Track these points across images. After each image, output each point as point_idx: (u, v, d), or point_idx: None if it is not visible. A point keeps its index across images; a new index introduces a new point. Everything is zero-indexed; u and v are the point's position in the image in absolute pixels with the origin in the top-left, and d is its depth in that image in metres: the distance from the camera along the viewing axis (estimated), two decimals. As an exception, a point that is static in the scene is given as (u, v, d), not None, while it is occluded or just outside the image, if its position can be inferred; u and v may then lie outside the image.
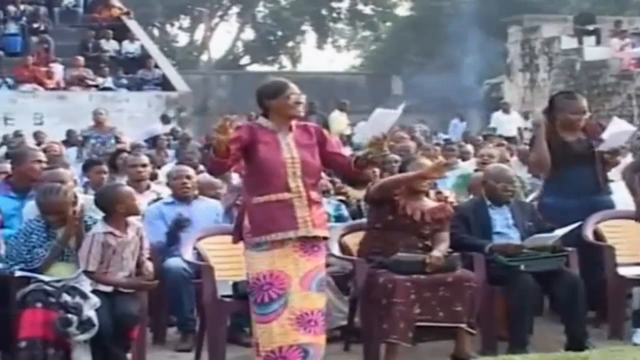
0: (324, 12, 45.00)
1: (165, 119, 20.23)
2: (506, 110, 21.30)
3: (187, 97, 23.37)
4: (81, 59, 22.40)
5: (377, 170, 8.25)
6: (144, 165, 8.81)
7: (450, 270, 6.45)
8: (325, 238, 5.86)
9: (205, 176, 8.73)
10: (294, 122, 5.81)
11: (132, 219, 6.27)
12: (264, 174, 5.65)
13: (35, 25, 23.63)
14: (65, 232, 6.21)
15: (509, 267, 6.70)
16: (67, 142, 16.29)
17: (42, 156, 7.79)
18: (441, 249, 6.59)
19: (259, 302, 5.63)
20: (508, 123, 20.49)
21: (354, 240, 6.96)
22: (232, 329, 6.90)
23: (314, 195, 5.71)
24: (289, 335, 5.58)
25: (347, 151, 7.20)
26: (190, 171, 8.06)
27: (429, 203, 6.79)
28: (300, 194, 5.63)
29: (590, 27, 25.22)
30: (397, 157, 8.66)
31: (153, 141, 16.53)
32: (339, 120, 19.67)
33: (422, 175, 6.50)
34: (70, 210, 6.26)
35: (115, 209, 6.13)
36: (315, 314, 5.67)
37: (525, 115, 22.10)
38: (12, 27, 23.57)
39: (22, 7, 24.35)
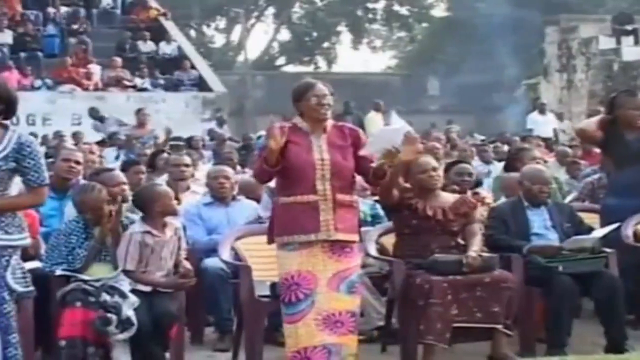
0: (359, 12, 44.99)
1: (220, 121, 20.20)
2: (542, 111, 21.17)
3: (223, 97, 23.45)
4: (119, 60, 22.54)
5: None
6: (187, 165, 8.86)
7: (488, 270, 6.42)
8: (353, 242, 5.80)
9: (244, 177, 8.78)
10: (329, 123, 5.79)
11: (170, 219, 6.31)
12: (293, 175, 5.65)
13: (74, 27, 23.80)
14: (100, 231, 6.26)
15: (547, 269, 6.67)
16: (104, 143, 16.36)
17: (74, 155, 7.83)
18: (475, 247, 6.55)
19: (286, 302, 5.65)
20: (544, 124, 20.34)
21: (391, 241, 6.93)
22: (270, 329, 6.91)
23: (342, 198, 5.67)
24: (314, 336, 5.58)
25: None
26: (229, 172, 8.08)
27: (449, 198, 6.75)
28: (326, 196, 5.62)
29: (629, 27, 24.99)
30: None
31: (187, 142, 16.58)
32: (374, 121, 19.57)
33: (402, 162, 6.11)
34: (105, 208, 6.32)
35: (152, 208, 6.17)
36: (343, 315, 5.65)
37: (560, 117, 21.92)
38: (51, 29, 23.76)
39: (61, 8, 24.56)
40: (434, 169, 6.73)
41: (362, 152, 5.74)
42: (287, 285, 5.65)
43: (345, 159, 5.73)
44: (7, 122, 5.28)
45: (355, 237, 5.81)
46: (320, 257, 5.64)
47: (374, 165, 5.80)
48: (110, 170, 7.74)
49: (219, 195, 7.77)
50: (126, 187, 7.15)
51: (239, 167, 11.87)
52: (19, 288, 5.24)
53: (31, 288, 5.36)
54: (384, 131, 5.84)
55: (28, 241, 5.37)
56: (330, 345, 5.61)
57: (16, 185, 5.39)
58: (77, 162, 7.69)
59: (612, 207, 7.42)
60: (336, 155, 5.70)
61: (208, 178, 8.02)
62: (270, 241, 5.84)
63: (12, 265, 5.21)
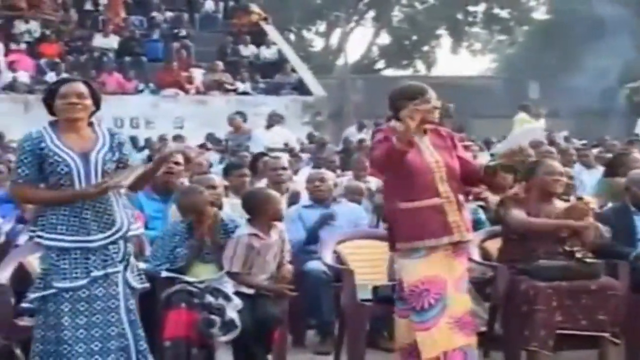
0: (459, 16, 44.72)
1: (361, 126, 20.22)
2: (649, 116, 20.72)
3: (323, 101, 23.50)
4: (220, 64, 22.76)
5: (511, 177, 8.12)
6: (284, 169, 8.92)
7: (594, 277, 6.33)
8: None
9: (345, 180, 8.80)
10: (427, 126, 5.68)
11: (275, 222, 6.35)
12: (413, 179, 5.51)
13: (177, 31, 24.11)
14: (200, 232, 6.34)
15: (655, 276, 6.55)
16: (204, 146, 16.54)
17: (176, 157, 7.92)
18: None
19: (418, 309, 5.51)
20: (650, 128, 19.93)
21: (494, 246, 6.89)
22: (372, 333, 6.91)
23: (461, 198, 5.62)
24: (451, 340, 5.49)
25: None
26: (326, 174, 8.12)
27: (561, 205, 6.66)
28: (449, 198, 5.52)
29: None
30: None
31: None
32: (523, 122, 18.80)
33: (567, 225, 6.37)
34: (208, 210, 6.38)
35: (262, 211, 6.22)
36: (469, 315, 5.62)
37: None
38: (155, 34, 24.12)
39: (165, 13, 24.91)
40: (561, 174, 6.66)
41: (492, 151, 5.69)
42: (418, 293, 5.50)
43: (452, 160, 5.65)
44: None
45: (473, 236, 5.79)
46: (446, 261, 5.53)
47: (490, 163, 5.77)
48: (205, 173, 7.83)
49: (315, 197, 7.82)
50: (219, 190, 7.20)
51: (339, 171, 11.89)
52: (137, 285, 5.35)
53: (147, 284, 5.47)
54: (523, 132, 5.79)
55: (141, 230, 5.56)
56: (466, 348, 5.55)
57: None
58: (176, 163, 7.76)
59: None
60: (444, 155, 5.62)
61: (306, 181, 8.09)
62: (392, 248, 5.72)
63: (131, 264, 5.33)
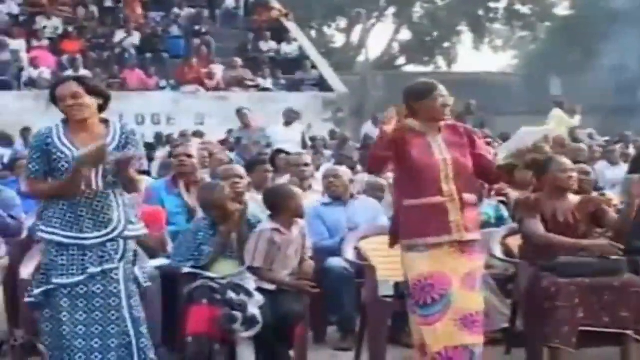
0: (480, 12, 44.61)
1: (375, 120, 20.20)
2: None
3: (344, 97, 23.49)
4: (241, 61, 22.78)
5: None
6: (307, 165, 8.91)
7: (617, 274, 6.30)
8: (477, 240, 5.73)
9: (365, 176, 8.79)
10: (442, 123, 5.70)
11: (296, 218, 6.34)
12: (418, 176, 5.55)
13: (198, 28, 24.15)
14: (225, 228, 6.34)
15: (678, 273, 6.51)
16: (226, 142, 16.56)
17: (183, 149, 7.95)
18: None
19: (421, 304, 5.56)
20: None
21: (516, 243, 6.87)
22: (393, 329, 6.90)
23: (467, 197, 5.59)
24: (453, 336, 5.50)
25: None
26: (340, 170, 8.10)
27: (575, 199, 6.65)
28: (452, 197, 5.53)
29: None
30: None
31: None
32: (558, 118, 18.64)
33: (586, 246, 6.37)
34: (230, 206, 6.39)
35: (284, 207, 6.22)
36: (479, 315, 5.59)
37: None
38: (175, 30, 24.16)
39: (185, 10, 24.96)
40: (572, 170, 6.66)
41: (498, 150, 5.67)
42: (420, 287, 5.54)
43: (465, 158, 5.64)
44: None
45: (480, 236, 5.75)
46: (451, 257, 5.54)
47: (500, 162, 5.73)
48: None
49: (330, 194, 7.82)
50: (242, 182, 7.21)
51: (359, 167, 11.88)
52: (144, 282, 5.38)
53: (150, 283, 5.51)
54: (526, 132, 5.77)
55: (145, 231, 5.49)
56: (471, 347, 5.54)
57: None
58: (188, 156, 7.78)
59: None
60: (456, 154, 5.61)
61: (322, 178, 8.09)
62: (393, 244, 5.78)
63: (139, 260, 5.35)
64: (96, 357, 5.16)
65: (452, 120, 5.80)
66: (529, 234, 6.57)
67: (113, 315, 5.20)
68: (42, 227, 5.26)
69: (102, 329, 5.18)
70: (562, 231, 6.48)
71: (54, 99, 5.31)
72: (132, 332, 5.22)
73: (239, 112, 17.08)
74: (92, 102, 5.29)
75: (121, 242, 5.25)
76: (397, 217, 5.73)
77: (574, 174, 6.65)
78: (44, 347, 5.67)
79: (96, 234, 5.19)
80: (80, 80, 5.40)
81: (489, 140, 12.38)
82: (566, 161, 6.73)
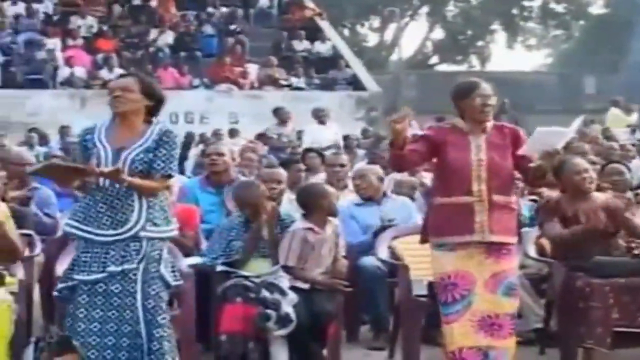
0: (514, 11, 44.46)
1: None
2: None
3: (377, 96, 23.47)
4: (274, 59, 22.81)
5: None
6: (342, 165, 8.91)
7: (651, 275, 6.26)
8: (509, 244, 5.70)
9: (397, 175, 8.77)
10: (489, 123, 5.70)
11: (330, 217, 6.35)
12: (449, 175, 5.60)
13: (232, 27, 24.20)
14: (256, 225, 6.37)
15: None
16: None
17: (214, 148, 7.99)
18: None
19: (442, 302, 5.61)
20: None
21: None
22: (427, 329, 6.89)
23: (498, 199, 5.57)
24: (468, 337, 5.52)
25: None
26: (367, 170, 8.08)
27: (600, 198, 6.59)
28: (481, 197, 5.54)
29: None
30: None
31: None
32: (616, 117, 18.45)
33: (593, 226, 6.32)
34: (264, 204, 6.42)
35: (318, 206, 6.23)
36: (502, 318, 5.58)
37: None
38: (209, 29, 24.23)
39: (220, 9, 25.03)
40: (586, 171, 6.59)
41: (521, 151, 5.65)
42: (444, 285, 5.60)
43: (503, 159, 5.63)
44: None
45: (512, 239, 5.69)
46: (477, 258, 5.57)
47: (533, 165, 5.71)
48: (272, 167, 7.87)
49: (360, 195, 7.82)
50: (284, 186, 7.25)
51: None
52: (173, 281, 5.37)
53: (181, 282, 5.49)
54: (542, 132, 5.73)
55: (175, 233, 5.47)
56: (486, 349, 5.55)
57: None
58: (219, 154, 7.82)
59: None
60: (494, 155, 5.61)
61: (352, 178, 8.08)
62: (424, 241, 5.82)
63: (165, 259, 5.35)
64: (108, 354, 5.18)
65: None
66: (548, 238, 6.57)
67: (127, 314, 5.21)
68: (67, 220, 5.34)
69: (116, 327, 5.19)
70: (599, 231, 6.40)
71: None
72: (144, 334, 5.21)
73: (278, 111, 17.14)
74: (138, 99, 5.30)
75: (144, 242, 5.23)
76: (427, 215, 5.81)
77: (589, 175, 6.56)
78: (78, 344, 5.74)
79: (111, 232, 5.20)
80: (139, 77, 5.43)
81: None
82: (580, 162, 6.66)
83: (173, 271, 5.42)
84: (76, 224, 5.24)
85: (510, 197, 5.72)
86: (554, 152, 5.62)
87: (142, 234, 5.22)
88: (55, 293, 5.44)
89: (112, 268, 5.18)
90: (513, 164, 5.68)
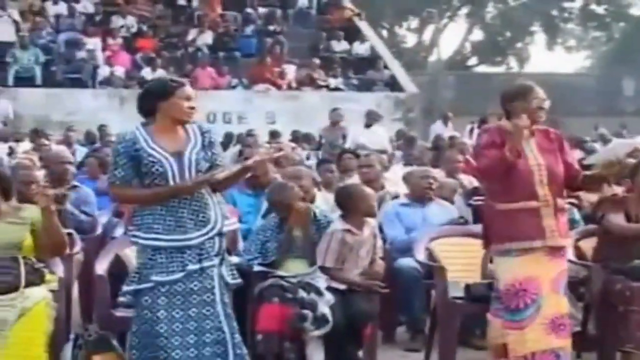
0: (554, 12, 44.22)
1: (445, 119, 20.15)
2: None
3: (415, 97, 23.43)
4: (313, 60, 22.84)
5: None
6: (370, 166, 8.91)
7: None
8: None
9: (439, 178, 8.74)
10: (533, 127, 5.66)
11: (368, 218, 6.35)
12: (512, 180, 5.53)
13: (271, 27, 24.25)
14: (289, 226, 6.38)
15: None
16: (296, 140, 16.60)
17: (248, 152, 7.99)
18: None
19: (512, 309, 5.56)
20: None
21: (588, 245, 6.79)
22: (464, 331, 6.87)
23: (560, 202, 5.60)
24: (541, 340, 5.52)
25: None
26: (431, 172, 8.10)
27: None
28: (547, 202, 5.53)
29: None
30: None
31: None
32: None
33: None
34: (298, 205, 6.43)
35: (356, 207, 6.24)
36: (565, 318, 5.61)
37: None
38: (248, 29, 24.30)
39: (259, 9, 25.08)
40: None
41: (586, 161, 5.65)
42: (514, 292, 5.55)
43: (557, 163, 5.64)
44: None
45: (569, 241, 5.76)
46: (542, 262, 5.56)
47: (589, 172, 5.72)
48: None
49: (421, 195, 7.79)
50: (305, 182, 7.22)
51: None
52: (231, 280, 5.39)
53: (239, 280, 5.48)
54: (616, 144, 5.74)
55: (238, 225, 5.53)
56: (557, 350, 5.55)
57: None
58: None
59: None
60: (549, 159, 5.61)
61: (412, 178, 8.02)
62: (486, 247, 5.79)
63: (226, 259, 5.38)
64: (192, 352, 5.19)
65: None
66: (611, 228, 6.46)
67: (208, 310, 5.23)
68: (141, 234, 5.24)
69: (197, 325, 5.21)
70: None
71: (165, 94, 5.26)
72: (226, 328, 5.25)
73: (333, 111, 17.17)
74: None
75: (217, 238, 5.28)
76: (488, 221, 5.72)
77: None
78: (117, 343, 5.77)
79: (197, 233, 5.22)
80: None
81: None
82: None
83: (232, 270, 5.44)
84: (155, 235, 5.21)
85: (564, 199, 5.75)
86: (616, 161, 5.62)
87: (225, 229, 5.30)
88: (120, 298, 5.47)
89: (191, 267, 5.20)
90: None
